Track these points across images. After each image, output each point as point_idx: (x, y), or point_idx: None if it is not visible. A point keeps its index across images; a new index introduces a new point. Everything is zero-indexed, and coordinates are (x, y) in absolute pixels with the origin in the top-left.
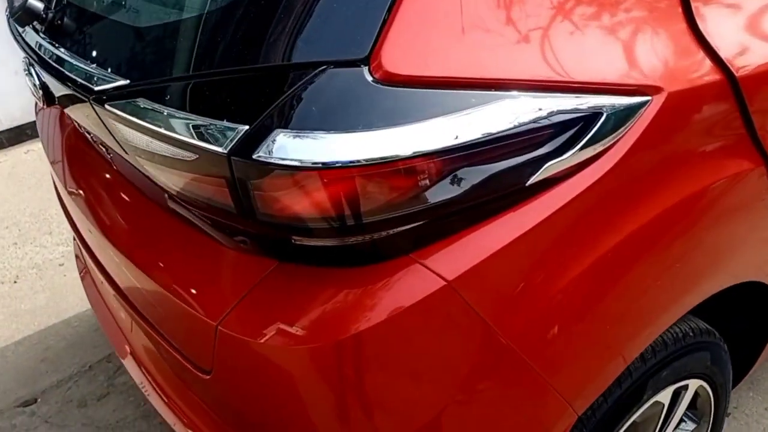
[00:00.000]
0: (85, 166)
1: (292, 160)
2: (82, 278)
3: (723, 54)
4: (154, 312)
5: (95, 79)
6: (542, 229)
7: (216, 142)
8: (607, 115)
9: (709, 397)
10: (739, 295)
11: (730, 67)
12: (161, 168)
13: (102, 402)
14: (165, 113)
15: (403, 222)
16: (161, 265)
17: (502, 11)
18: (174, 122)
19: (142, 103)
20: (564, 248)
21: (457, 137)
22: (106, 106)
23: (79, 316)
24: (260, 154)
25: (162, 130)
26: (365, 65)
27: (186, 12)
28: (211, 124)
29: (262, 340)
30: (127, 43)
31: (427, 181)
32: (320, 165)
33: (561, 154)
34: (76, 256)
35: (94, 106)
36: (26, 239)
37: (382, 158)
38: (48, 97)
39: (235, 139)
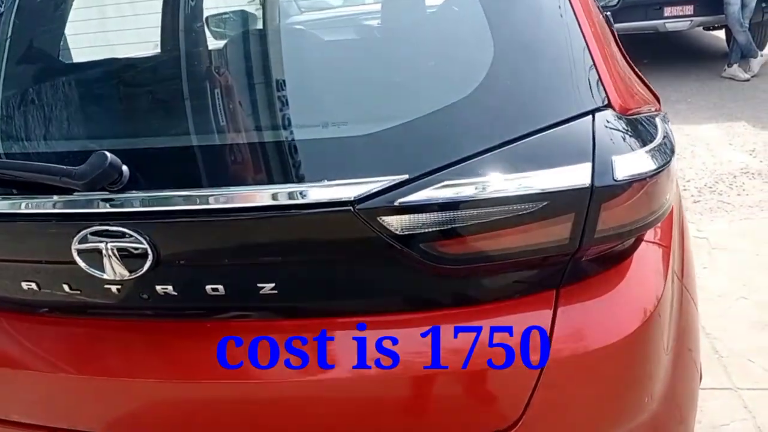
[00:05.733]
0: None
1: (639, 172)
2: None
3: None
4: None
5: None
6: None
7: (587, 177)
8: None
9: None
10: None
11: None
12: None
13: None
14: (509, 178)
15: None
16: None
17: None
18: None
19: (451, 180)
20: None
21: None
22: (400, 202)
23: None
24: (621, 175)
25: (515, 193)
26: (609, 108)
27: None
28: (566, 166)
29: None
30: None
31: None
32: (652, 172)
33: None
34: None
35: (361, 215)
36: None
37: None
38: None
39: (597, 172)
